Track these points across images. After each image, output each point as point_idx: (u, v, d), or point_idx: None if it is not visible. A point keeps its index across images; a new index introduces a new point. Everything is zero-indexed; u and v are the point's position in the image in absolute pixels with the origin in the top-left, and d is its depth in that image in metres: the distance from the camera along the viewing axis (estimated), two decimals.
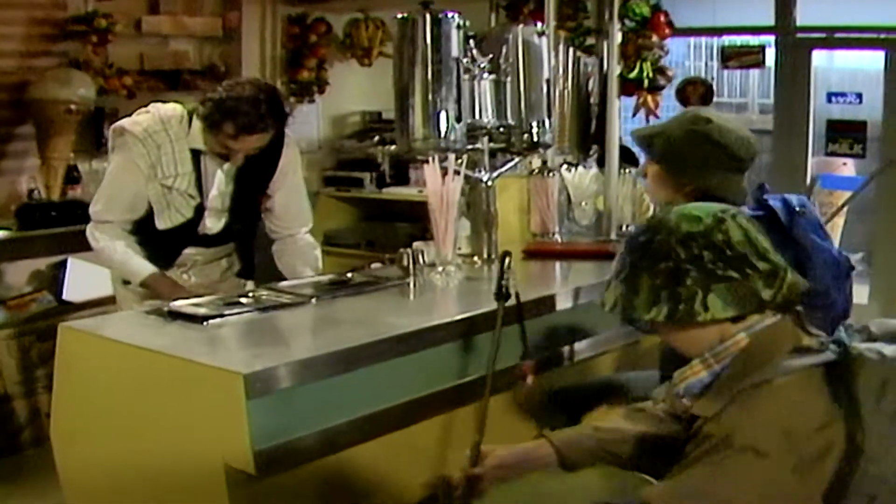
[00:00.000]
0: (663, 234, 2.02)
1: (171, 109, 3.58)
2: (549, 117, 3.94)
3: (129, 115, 3.62)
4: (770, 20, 6.09)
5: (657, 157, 2.95)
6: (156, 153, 3.51)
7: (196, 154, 3.58)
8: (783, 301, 2.00)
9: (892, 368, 1.89)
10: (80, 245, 3.76)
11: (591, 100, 4.59)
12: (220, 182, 3.64)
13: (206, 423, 2.50)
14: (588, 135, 4.61)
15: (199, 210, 3.64)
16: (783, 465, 1.81)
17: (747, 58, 6.21)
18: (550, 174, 4.30)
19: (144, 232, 3.59)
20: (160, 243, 3.64)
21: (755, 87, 9.23)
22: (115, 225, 3.58)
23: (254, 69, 6.20)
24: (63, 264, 5.48)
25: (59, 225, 5.16)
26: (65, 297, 5.39)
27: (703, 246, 1.97)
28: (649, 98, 5.08)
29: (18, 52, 5.31)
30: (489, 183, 3.86)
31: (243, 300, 3.12)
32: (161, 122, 3.54)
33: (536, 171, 4.31)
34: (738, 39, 6.35)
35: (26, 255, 5.40)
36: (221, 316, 2.94)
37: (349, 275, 3.54)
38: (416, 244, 3.66)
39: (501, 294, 2.77)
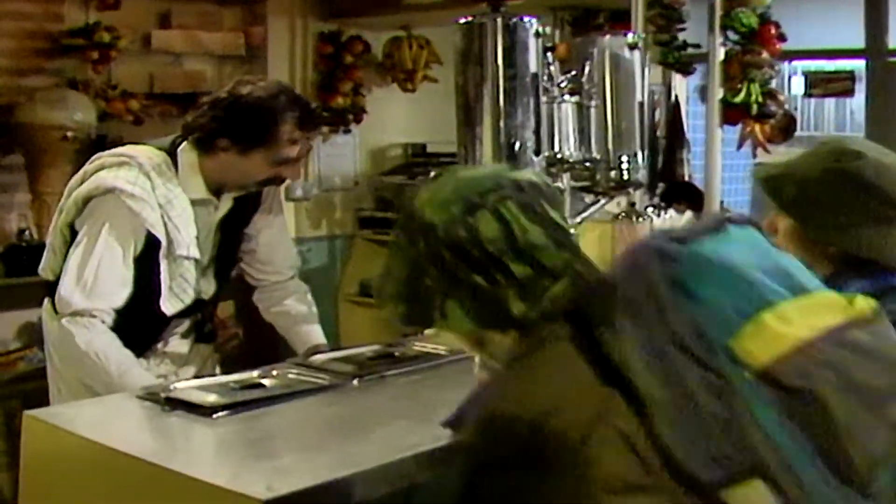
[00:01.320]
0: (408, 218, 1.90)
1: (149, 155, 3.09)
2: (643, 150, 3.59)
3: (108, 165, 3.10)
4: (859, 42, 5.71)
5: (787, 207, 2.32)
6: (165, 219, 3.06)
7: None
8: (542, 317, 1.81)
9: None
10: None
11: (658, 132, 4.44)
12: (204, 232, 3.20)
13: None
14: (654, 172, 4.42)
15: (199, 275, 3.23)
16: None
17: (835, 84, 6.02)
18: (639, 219, 3.90)
19: (125, 318, 3.04)
20: (143, 329, 3.15)
21: (830, 118, 8.74)
22: (98, 318, 3.00)
23: None
24: None
25: None
26: None
27: (442, 242, 1.82)
28: (757, 128, 4.59)
29: (6, 70, 5.24)
30: (572, 229, 3.32)
31: (265, 381, 2.76)
32: (154, 173, 3.06)
33: (623, 214, 3.91)
34: (816, 65, 6.16)
35: (13, 305, 5.22)
36: (236, 407, 2.53)
37: (398, 346, 3.22)
38: None
39: None
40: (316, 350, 3.29)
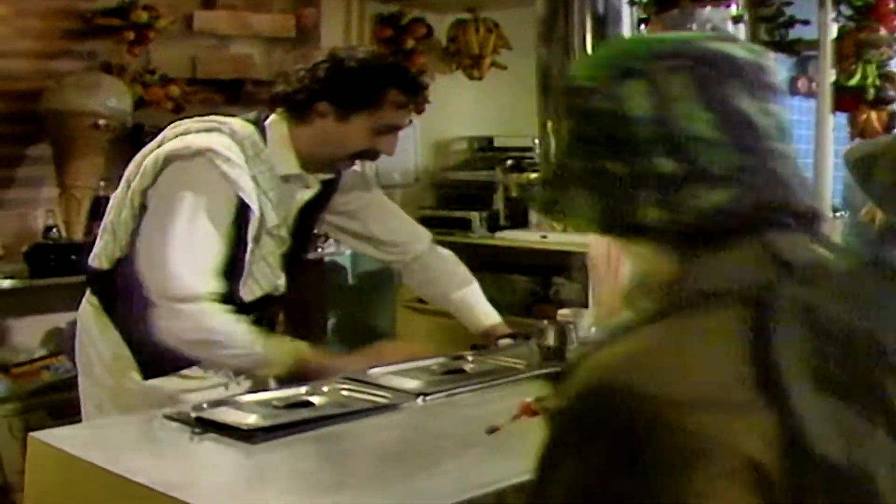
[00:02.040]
0: (564, 86, 1.61)
1: (240, 124, 3.06)
2: None
3: (177, 132, 3.05)
4: None
5: (878, 198, 2.14)
6: (258, 191, 3.02)
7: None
8: (680, 233, 1.46)
9: None
10: None
11: None
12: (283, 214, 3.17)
13: None
14: None
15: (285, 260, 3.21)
16: None
17: None
18: None
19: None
20: None
21: None
22: (206, 298, 2.91)
23: None
24: None
25: (81, 272, 4.65)
26: None
27: (583, 113, 1.52)
28: (874, 116, 4.35)
29: (32, 52, 5.18)
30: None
31: (314, 399, 2.64)
32: (247, 142, 3.03)
33: None
34: None
35: (38, 309, 5.21)
36: (280, 430, 2.39)
37: (469, 358, 3.13)
38: (562, 312, 3.32)
39: None
40: (496, 335, 3.35)
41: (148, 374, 3.04)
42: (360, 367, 2.91)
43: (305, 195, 3.18)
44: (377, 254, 3.58)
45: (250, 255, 3.01)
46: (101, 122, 5.02)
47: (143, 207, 2.96)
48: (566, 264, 5.70)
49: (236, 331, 2.90)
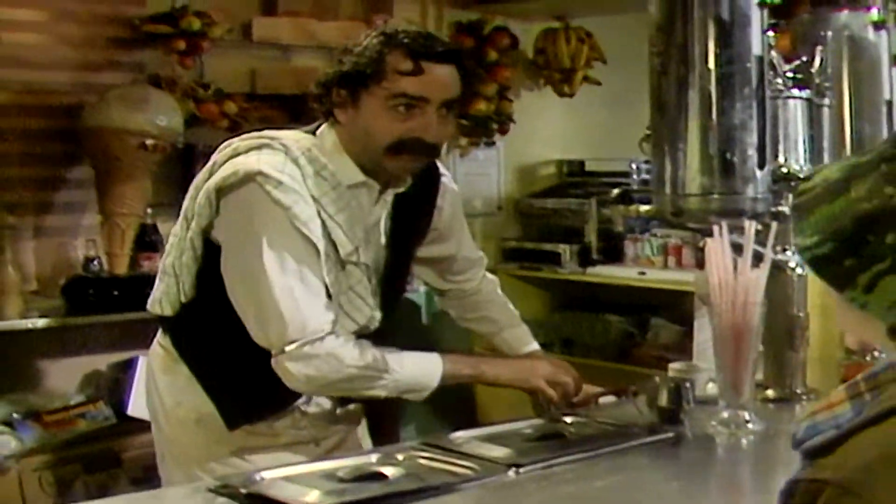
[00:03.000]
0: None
1: (296, 137, 3.00)
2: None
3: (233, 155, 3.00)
4: None
5: None
6: (323, 215, 2.96)
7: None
8: None
9: None
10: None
11: None
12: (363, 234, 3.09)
13: None
14: None
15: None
16: None
17: None
18: None
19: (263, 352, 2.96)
20: None
21: None
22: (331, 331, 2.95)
23: None
24: (129, 365, 5.18)
25: (124, 309, 4.85)
26: (129, 411, 5.06)
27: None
28: None
29: (73, 63, 5.17)
30: (799, 271, 3.36)
31: (387, 470, 2.56)
32: (304, 159, 2.95)
33: None
34: None
35: (77, 350, 5.17)
36: None
37: (568, 421, 3.05)
38: (675, 367, 3.31)
39: None
40: (596, 394, 3.30)
41: (232, 423, 3.05)
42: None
43: (381, 211, 3.10)
44: (437, 281, 3.54)
45: (335, 285, 2.96)
46: (149, 141, 4.97)
47: (207, 248, 2.96)
48: (666, 304, 5.80)
49: (377, 357, 2.93)
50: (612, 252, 6.15)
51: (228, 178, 2.88)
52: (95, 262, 5.06)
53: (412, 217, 3.23)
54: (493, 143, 6.51)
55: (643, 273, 5.66)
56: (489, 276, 3.63)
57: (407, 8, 6.11)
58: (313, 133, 3.06)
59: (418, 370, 3.01)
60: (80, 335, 5.09)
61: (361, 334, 3.06)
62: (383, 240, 3.14)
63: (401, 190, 3.10)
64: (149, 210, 5.19)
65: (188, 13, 5.22)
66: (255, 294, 2.92)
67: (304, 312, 2.90)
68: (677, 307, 5.57)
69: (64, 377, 5.18)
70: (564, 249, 6.30)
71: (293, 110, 5.56)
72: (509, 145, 6.56)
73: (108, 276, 5.08)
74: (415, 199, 3.19)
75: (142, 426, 4.52)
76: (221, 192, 2.87)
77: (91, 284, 4.96)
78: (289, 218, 2.88)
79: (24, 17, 5.11)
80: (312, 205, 2.92)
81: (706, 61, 3.00)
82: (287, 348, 2.87)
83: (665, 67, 3.05)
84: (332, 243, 2.93)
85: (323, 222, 2.93)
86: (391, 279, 3.22)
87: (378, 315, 3.12)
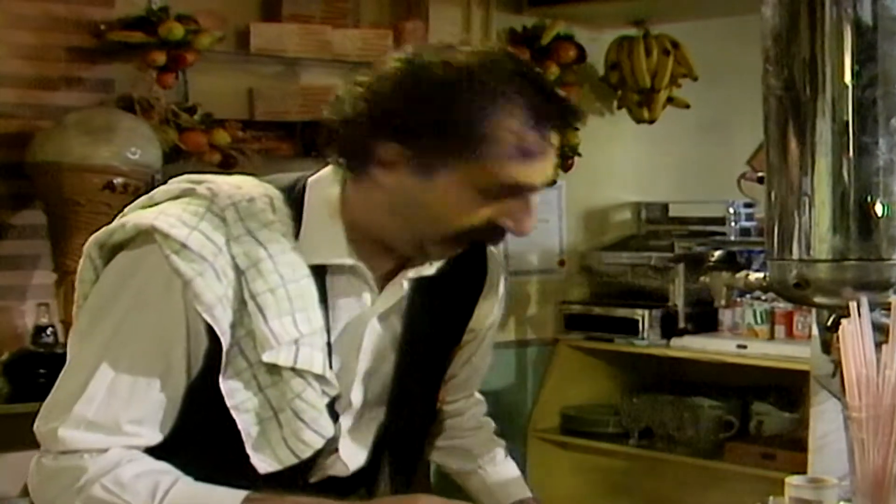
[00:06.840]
0: None
1: (249, 185, 2.69)
2: None
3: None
4: None
5: None
6: (246, 294, 2.59)
7: (318, 276, 2.68)
8: None
9: None
10: None
11: None
12: (368, 342, 2.78)
13: None
14: None
15: (335, 415, 2.82)
16: None
17: None
18: None
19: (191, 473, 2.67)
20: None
21: None
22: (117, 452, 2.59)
23: None
24: None
25: None
26: None
27: None
28: None
29: (20, 80, 5.16)
30: None
31: None
32: (234, 213, 2.61)
33: None
34: None
35: (19, 442, 4.60)
36: None
37: None
38: (794, 483, 2.97)
39: None
40: None
41: None
42: None
43: (378, 304, 2.78)
44: None
45: (256, 397, 2.68)
46: (117, 180, 4.92)
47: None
48: (773, 386, 5.79)
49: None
50: (705, 320, 6.15)
51: (116, 231, 2.60)
52: (48, 333, 5.01)
53: (442, 312, 2.90)
54: (554, 182, 6.30)
55: (743, 346, 5.62)
56: (478, 395, 3.33)
57: (445, 12, 6.16)
58: (293, 184, 2.73)
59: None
60: (25, 424, 4.93)
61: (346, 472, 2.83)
62: (389, 341, 2.85)
63: (426, 273, 2.80)
64: None
65: (168, 17, 5.13)
66: (76, 370, 2.63)
67: (96, 407, 2.55)
68: (787, 390, 5.59)
69: (4, 478, 5.09)
70: (643, 316, 6.26)
71: (301, 141, 5.67)
72: (574, 185, 6.57)
73: (63, 350, 4.91)
74: (448, 284, 2.87)
75: None
76: (104, 249, 2.61)
77: (41, 362, 4.84)
78: (189, 295, 2.57)
79: None
80: (226, 279, 2.60)
81: (841, 81, 2.87)
82: (43, 441, 2.61)
83: (783, 89, 2.93)
84: (250, 335, 2.63)
85: (243, 302, 2.62)
86: (403, 403, 2.96)
87: (364, 449, 2.88)
